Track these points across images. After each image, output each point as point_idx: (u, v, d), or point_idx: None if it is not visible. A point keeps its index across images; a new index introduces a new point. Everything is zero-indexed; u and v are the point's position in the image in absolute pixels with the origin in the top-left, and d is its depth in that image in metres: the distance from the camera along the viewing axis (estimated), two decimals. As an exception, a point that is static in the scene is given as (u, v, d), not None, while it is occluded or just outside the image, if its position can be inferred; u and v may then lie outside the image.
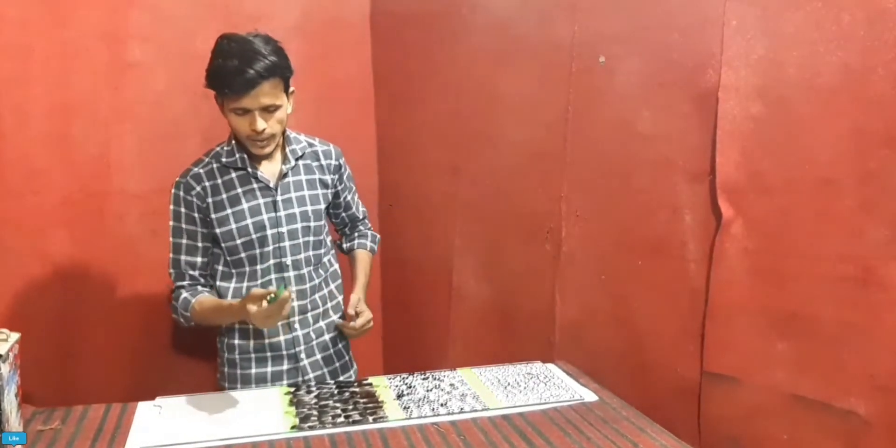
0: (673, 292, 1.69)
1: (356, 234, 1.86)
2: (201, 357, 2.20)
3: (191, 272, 1.55)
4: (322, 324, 1.68)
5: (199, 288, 1.55)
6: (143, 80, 2.02)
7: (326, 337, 1.68)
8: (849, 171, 1.37)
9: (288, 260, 1.59)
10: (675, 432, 1.32)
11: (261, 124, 1.44)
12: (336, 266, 1.77)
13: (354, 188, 1.81)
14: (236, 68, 1.38)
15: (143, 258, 2.10)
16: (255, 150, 1.52)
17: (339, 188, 1.73)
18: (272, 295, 1.32)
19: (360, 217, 1.86)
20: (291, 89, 1.51)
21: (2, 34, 1.84)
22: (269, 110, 1.45)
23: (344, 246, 1.86)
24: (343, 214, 1.82)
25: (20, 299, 1.95)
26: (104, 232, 2.04)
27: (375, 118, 2.41)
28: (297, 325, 1.63)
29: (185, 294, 1.53)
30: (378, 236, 1.90)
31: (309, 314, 1.65)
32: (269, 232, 1.56)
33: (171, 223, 1.55)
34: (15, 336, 1.17)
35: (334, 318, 1.71)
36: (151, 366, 2.15)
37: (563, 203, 1.90)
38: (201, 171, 1.55)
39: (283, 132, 1.58)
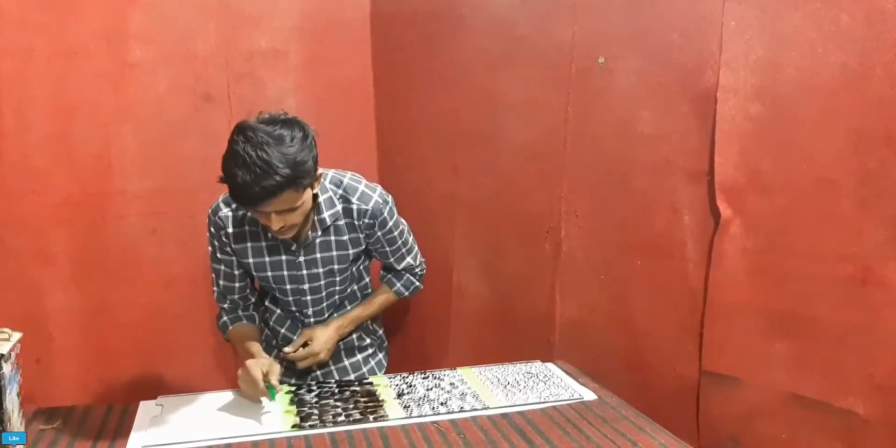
0: (672, 292, 1.70)
1: (393, 274, 1.76)
2: (202, 357, 2.21)
3: (230, 296, 1.61)
4: (346, 363, 1.73)
5: (240, 312, 1.63)
6: (144, 80, 2.03)
7: (352, 375, 1.73)
8: (848, 171, 1.37)
9: (309, 310, 1.63)
10: (675, 431, 1.32)
11: (277, 224, 1.35)
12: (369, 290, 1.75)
13: (399, 242, 1.65)
14: (246, 184, 1.26)
15: (144, 258, 2.10)
16: (277, 236, 1.44)
17: (371, 242, 1.61)
18: (267, 383, 1.38)
19: (399, 268, 1.72)
20: (319, 173, 1.40)
21: (3, 34, 1.85)
22: (288, 211, 1.35)
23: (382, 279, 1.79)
24: (386, 263, 1.72)
25: (21, 299, 1.95)
26: (104, 232, 2.04)
27: (375, 118, 2.41)
28: (314, 366, 1.68)
29: (224, 317, 1.64)
30: (417, 285, 1.77)
31: (341, 349, 1.70)
32: (288, 286, 1.57)
33: (209, 248, 1.57)
34: (17, 335, 1.18)
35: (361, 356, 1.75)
36: (152, 365, 2.15)
37: (563, 203, 1.90)
38: (229, 214, 1.50)
39: (314, 202, 1.47)
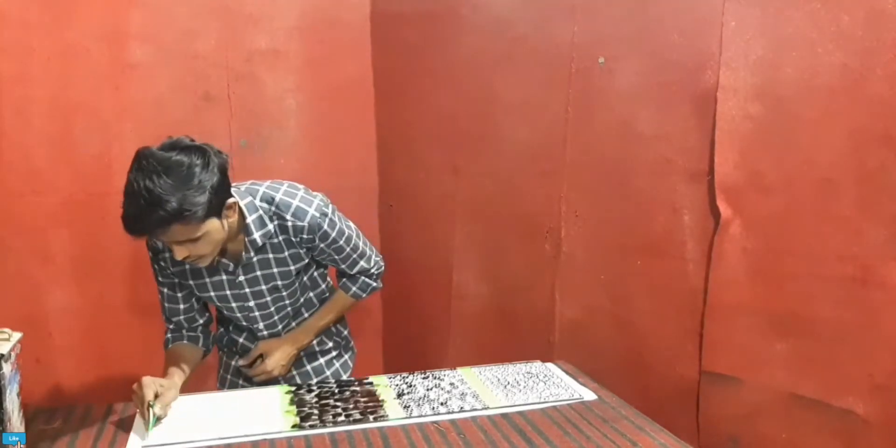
0: (672, 292, 1.70)
1: (347, 277, 1.68)
2: (202, 357, 2.20)
3: (174, 318, 1.57)
4: (308, 367, 1.70)
5: (184, 332, 1.58)
6: (144, 80, 2.03)
7: (313, 380, 1.69)
8: (847, 171, 1.37)
9: (260, 325, 1.59)
10: (675, 431, 1.32)
11: (180, 254, 1.29)
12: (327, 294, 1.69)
13: (347, 249, 1.56)
14: (130, 216, 1.21)
15: (143, 258, 2.10)
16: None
17: (317, 254, 1.54)
18: (151, 406, 1.31)
19: (353, 273, 1.65)
20: (231, 201, 1.32)
21: (3, 34, 1.85)
22: (189, 241, 1.28)
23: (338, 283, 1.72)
24: (338, 270, 1.65)
25: (21, 299, 1.95)
26: (105, 232, 2.04)
27: (375, 118, 2.41)
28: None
29: (167, 335, 1.60)
30: (374, 285, 1.69)
31: (302, 355, 1.67)
32: (234, 304, 1.53)
33: (152, 271, 1.54)
34: (17, 335, 1.17)
35: (325, 360, 1.72)
36: (152, 365, 2.15)
37: (563, 203, 1.91)
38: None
39: (242, 223, 1.40)
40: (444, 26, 2.13)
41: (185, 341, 1.57)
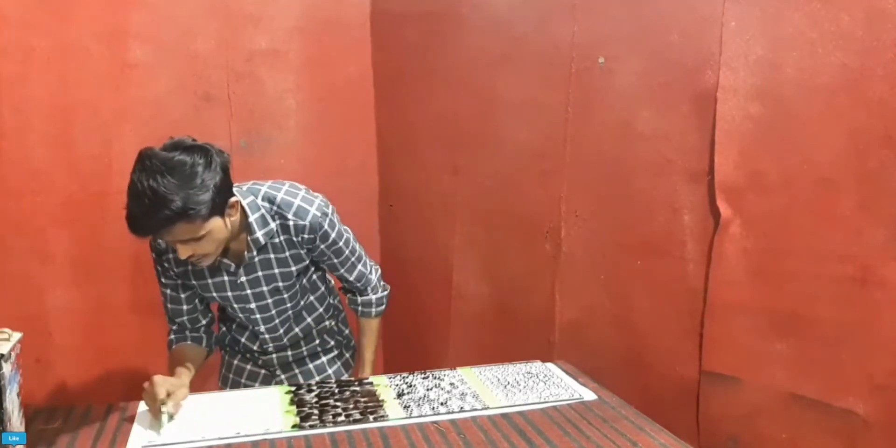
0: (672, 292, 1.70)
1: (359, 300, 1.68)
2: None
3: (178, 319, 1.58)
4: (310, 366, 1.71)
5: (187, 333, 1.59)
6: (144, 80, 2.03)
7: (316, 378, 1.71)
8: (848, 171, 1.37)
9: (261, 327, 1.60)
10: (674, 431, 1.32)
11: (184, 253, 1.31)
12: (327, 295, 1.70)
13: (346, 252, 1.56)
14: (135, 215, 1.21)
15: (144, 258, 2.10)
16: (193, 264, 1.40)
17: (316, 255, 1.54)
18: (162, 405, 1.32)
19: (352, 279, 1.63)
20: (233, 200, 1.33)
21: (3, 34, 1.85)
22: (192, 240, 1.29)
23: (350, 306, 1.72)
24: (338, 275, 1.64)
25: (21, 299, 1.95)
26: (105, 232, 2.04)
27: (375, 118, 2.41)
28: (278, 371, 1.71)
29: (171, 336, 1.61)
30: (383, 295, 1.70)
31: (290, 354, 1.68)
32: (236, 305, 1.54)
33: (154, 271, 1.54)
34: (17, 335, 1.18)
35: (323, 362, 1.74)
36: (152, 365, 2.15)
37: (563, 203, 1.91)
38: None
39: (244, 222, 1.42)
40: (444, 26, 2.13)
41: (188, 342, 1.58)
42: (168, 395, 1.33)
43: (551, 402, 1.45)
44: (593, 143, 1.83)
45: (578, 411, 1.41)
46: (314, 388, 1.53)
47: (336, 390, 1.51)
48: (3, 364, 1.10)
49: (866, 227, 1.35)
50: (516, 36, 1.94)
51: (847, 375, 1.40)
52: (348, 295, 1.71)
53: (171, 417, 1.33)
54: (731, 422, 1.61)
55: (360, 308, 1.70)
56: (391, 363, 2.52)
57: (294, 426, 1.33)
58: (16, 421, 1.17)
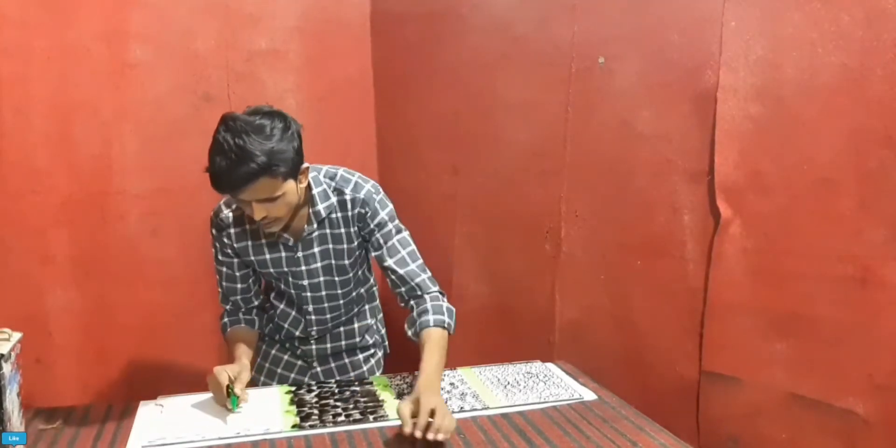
0: (672, 292, 1.70)
1: (417, 310, 1.51)
2: (202, 357, 2.20)
3: (232, 298, 1.62)
4: (346, 361, 1.74)
5: (241, 314, 1.64)
6: (144, 80, 2.03)
7: (351, 373, 1.74)
8: (848, 171, 1.37)
9: (310, 307, 1.63)
10: (674, 431, 1.32)
11: (259, 214, 1.36)
12: (374, 292, 1.77)
13: (394, 239, 1.52)
14: (222, 170, 1.29)
15: (144, 258, 2.10)
16: (263, 229, 1.46)
17: (366, 235, 1.53)
18: (231, 391, 1.38)
19: (407, 279, 1.52)
20: (304, 166, 1.40)
21: (3, 34, 1.85)
22: (269, 200, 1.35)
23: (408, 331, 1.51)
24: (386, 267, 1.53)
25: (21, 299, 1.95)
26: (105, 232, 2.04)
27: (375, 118, 2.41)
28: (315, 363, 1.73)
29: (225, 319, 1.64)
30: (446, 305, 1.51)
31: (329, 346, 1.71)
32: (291, 281, 1.58)
33: (212, 249, 1.59)
34: (17, 336, 1.18)
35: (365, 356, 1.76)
36: (152, 365, 2.15)
37: (563, 203, 1.91)
38: (230, 214, 1.52)
39: (308, 195, 1.47)
40: (444, 26, 2.13)
41: (242, 324, 1.63)
42: (231, 380, 1.39)
43: (551, 402, 1.45)
44: (593, 143, 1.83)
45: (578, 411, 1.41)
46: (314, 388, 1.53)
47: (336, 390, 1.51)
48: (3, 364, 1.11)
49: (866, 227, 1.35)
50: (516, 36, 1.94)
51: (847, 375, 1.40)
52: (402, 304, 1.57)
53: (238, 400, 1.39)
54: (731, 422, 1.61)
55: (416, 318, 1.49)
56: (391, 363, 2.52)
57: (294, 426, 1.33)
58: (16, 421, 1.17)
